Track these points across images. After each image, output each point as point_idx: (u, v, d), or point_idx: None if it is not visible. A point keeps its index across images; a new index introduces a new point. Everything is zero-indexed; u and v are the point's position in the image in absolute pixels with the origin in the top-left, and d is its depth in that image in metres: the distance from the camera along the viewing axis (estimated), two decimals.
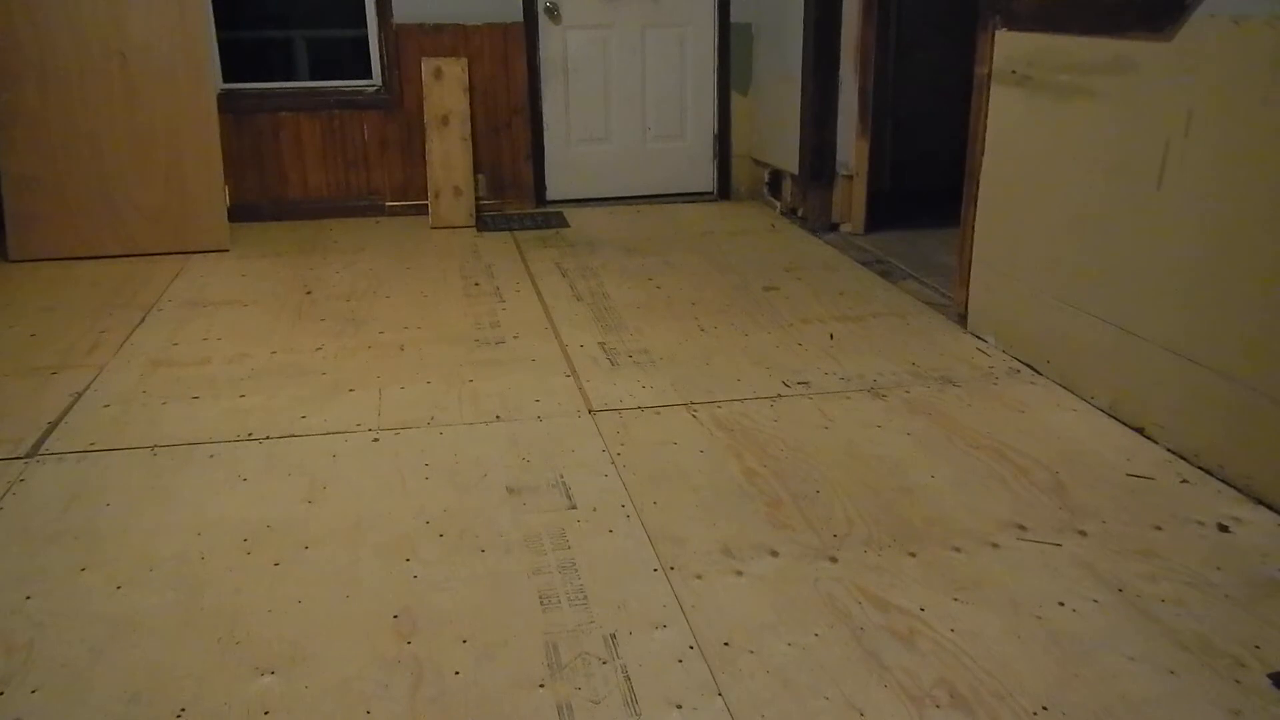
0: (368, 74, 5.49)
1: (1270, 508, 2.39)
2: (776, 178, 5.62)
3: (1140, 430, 2.80)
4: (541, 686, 1.82)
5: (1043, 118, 3.15)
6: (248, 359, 3.44)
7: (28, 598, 2.10)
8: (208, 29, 5.04)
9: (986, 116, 3.44)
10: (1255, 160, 2.38)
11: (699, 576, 2.15)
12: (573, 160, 5.78)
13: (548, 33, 5.55)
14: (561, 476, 2.60)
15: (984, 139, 3.46)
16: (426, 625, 2.00)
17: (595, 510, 2.43)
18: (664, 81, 5.74)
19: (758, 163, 5.83)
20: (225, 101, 5.19)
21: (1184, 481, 2.54)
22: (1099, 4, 2.89)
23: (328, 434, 2.86)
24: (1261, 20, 2.34)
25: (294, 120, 5.40)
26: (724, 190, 5.92)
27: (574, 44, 5.60)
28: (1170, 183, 2.65)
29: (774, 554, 2.23)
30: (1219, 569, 2.15)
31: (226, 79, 5.34)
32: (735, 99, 5.81)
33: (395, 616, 2.03)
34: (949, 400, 3.04)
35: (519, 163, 5.67)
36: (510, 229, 5.31)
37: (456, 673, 1.86)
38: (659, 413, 2.98)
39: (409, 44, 5.40)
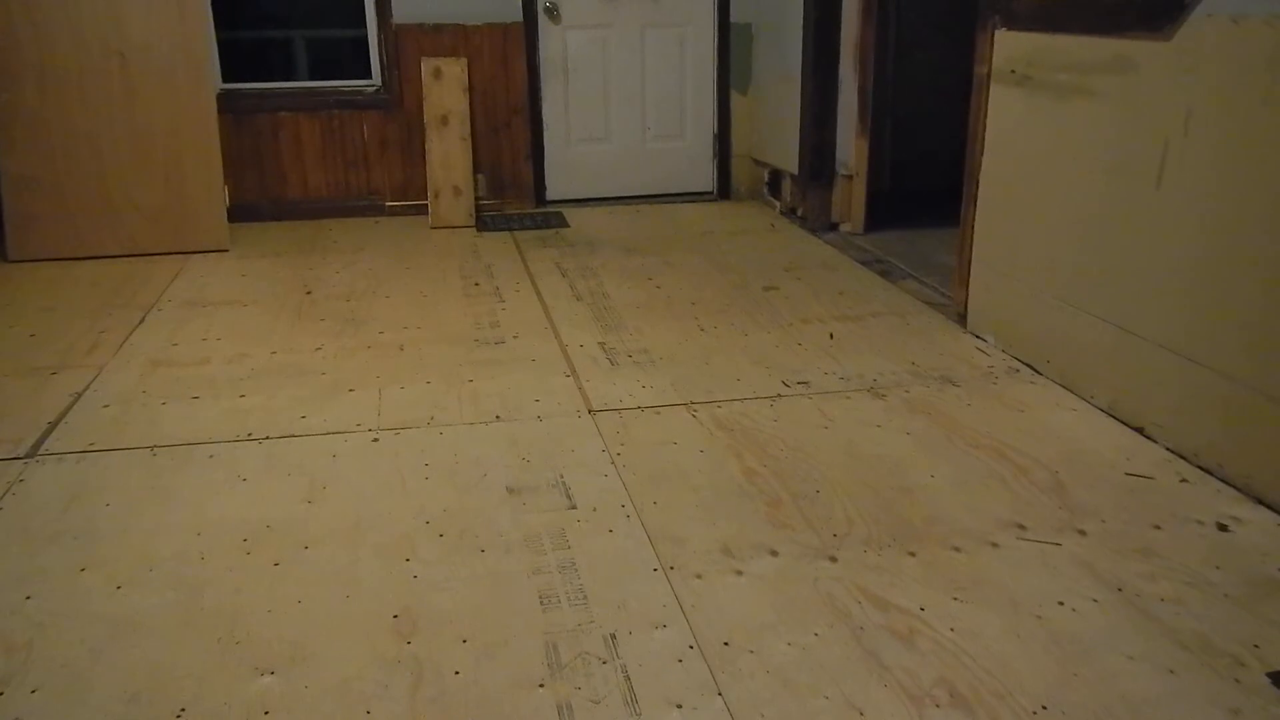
0: (367, 74, 5.49)
1: (1269, 507, 2.39)
2: (776, 177, 5.62)
3: (1140, 430, 2.80)
4: (541, 686, 1.82)
5: (1042, 117, 3.15)
6: (247, 359, 3.44)
7: (27, 598, 2.10)
8: (207, 29, 5.03)
9: (986, 116, 3.44)
10: (1254, 159, 2.38)
11: (699, 576, 2.15)
12: (572, 160, 5.78)
13: (547, 33, 5.55)
14: (561, 476, 2.60)
15: (983, 138, 3.46)
16: (426, 625, 2.00)
17: (595, 510, 2.43)
18: (664, 81, 5.74)
19: (757, 162, 5.84)
20: (225, 101, 5.19)
21: (1183, 481, 2.54)
22: (1098, 4, 2.89)
23: (327, 434, 2.86)
24: (1260, 20, 2.34)
25: (294, 120, 5.40)
26: (724, 190, 5.92)
27: (574, 44, 5.60)
28: (1170, 182, 2.65)
29: (774, 554, 2.23)
30: (1218, 568, 2.16)
31: (226, 79, 5.34)
32: (735, 99, 5.81)
33: (395, 616, 2.03)
34: (949, 400, 3.05)
35: (519, 163, 5.67)
36: (510, 229, 5.31)
37: (456, 673, 1.86)
38: (659, 412, 2.98)
39: (409, 44, 5.40)
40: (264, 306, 4.01)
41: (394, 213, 5.61)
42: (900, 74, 5.67)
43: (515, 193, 5.71)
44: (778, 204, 5.60)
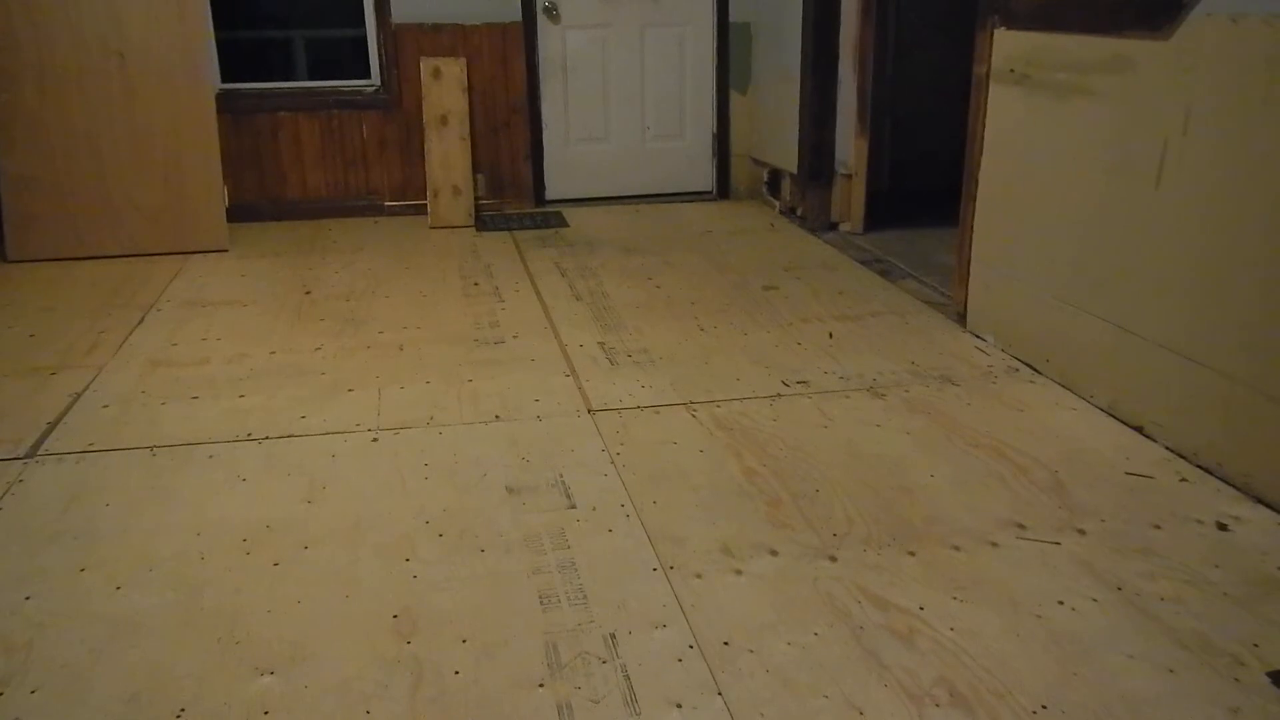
0: (366, 74, 5.49)
1: (1269, 506, 2.39)
2: (775, 177, 5.62)
3: (1139, 429, 2.80)
4: (541, 686, 1.82)
5: (1041, 117, 3.15)
6: (247, 359, 3.44)
7: (27, 598, 2.10)
8: (206, 29, 5.03)
9: (985, 115, 3.44)
10: (1254, 159, 2.38)
11: (698, 576, 2.15)
12: (572, 160, 5.78)
13: (546, 32, 5.55)
14: (561, 476, 2.60)
15: (983, 138, 3.47)
16: (426, 625, 2.00)
17: (595, 510, 2.43)
18: (663, 81, 5.74)
19: (757, 162, 5.84)
20: (224, 101, 5.19)
21: (1183, 480, 2.54)
22: (1097, 3, 2.90)
23: (327, 434, 2.86)
24: (1259, 19, 2.34)
25: (293, 120, 5.40)
26: (723, 190, 5.92)
27: (573, 44, 5.60)
28: (1169, 181, 2.65)
29: (773, 553, 2.23)
30: (1218, 567, 2.16)
31: (225, 79, 5.33)
32: (734, 98, 5.81)
33: (395, 616, 2.03)
34: (948, 399, 3.05)
35: (518, 162, 5.67)
36: (509, 229, 5.31)
37: (456, 672, 1.86)
38: (658, 412, 2.98)
39: (408, 44, 5.40)
40: (263, 306, 4.01)
41: (393, 213, 5.61)
42: (899, 73, 5.68)
43: (514, 192, 5.71)
44: (777, 203, 5.60)
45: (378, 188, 5.58)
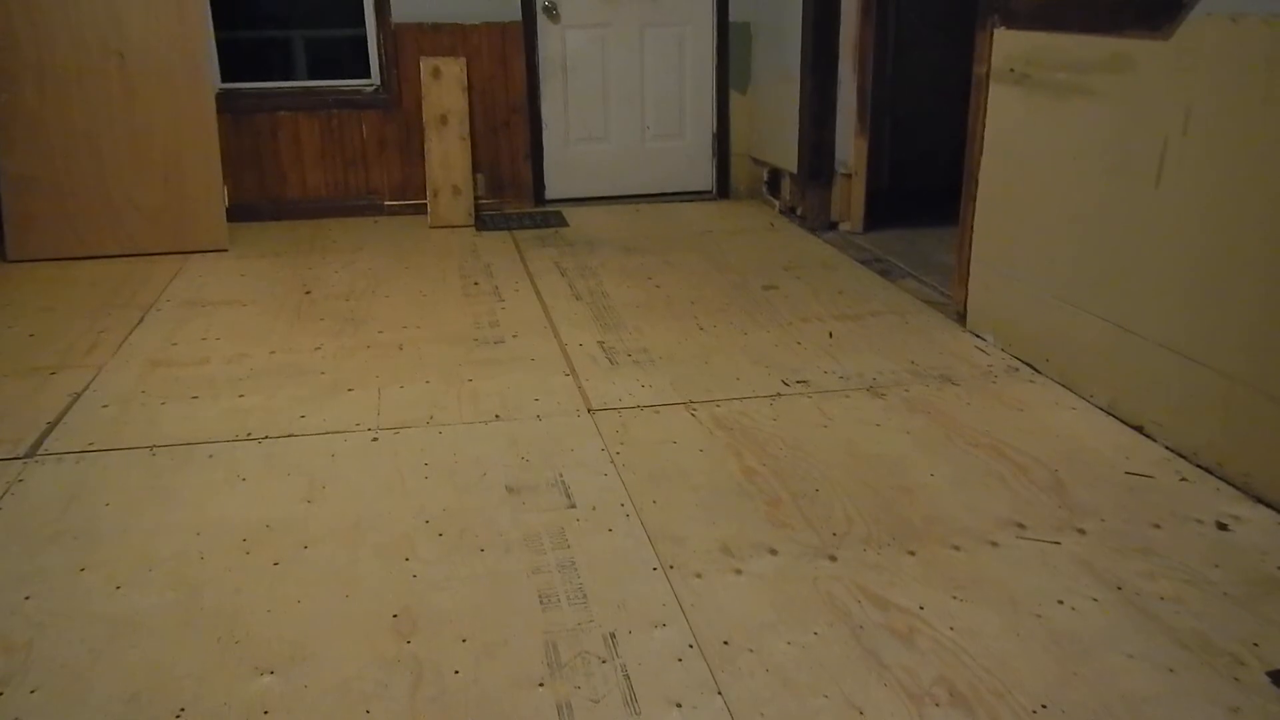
0: (366, 73, 5.49)
1: (1269, 506, 2.39)
2: (775, 176, 5.62)
3: (1139, 428, 2.80)
4: (541, 685, 1.82)
5: (1041, 116, 3.15)
6: (247, 359, 3.44)
7: (27, 598, 2.10)
8: (206, 29, 5.03)
9: (985, 115, 3.44)
10: (1253, 158, 2.38)
11: (698, 575, 2.15)
12: (571, 159, 5.78)
13: (546, 32, 5.55)
14: (561, 476, 2.60)
15: (983, 138, 3.46)
16: (426, 625, 2.00)
17: (594, 509, 2.43)
18: (663, 80, 5.73)
19: (756, 161, 5.84)
20: (224, 101, 5.19)
21: (1183, 479, 2.54)
22: (1097, 3, 2.90)
23: (327, 434, 2.86)
24: (1259, 19, 2.34)
25: (292, 120, 5.40)
26: (723, 189, 5.92)
27: (572, 43, 5.60)
28: (1169, 181, 2.65)
29: (773, 553, 2.23)
30: (1218, 567, 2.16)
31: (225, 79, 5.33)
32: (734, 98, 5.81)
33: (395, 616, 2.03)
34: (948, 399, 3.05)
35: (518, 162, 5.67)
36: (509, 228, 5.31)
37: (456, 672, 1.86)
38: (658, 412, 2.98)
39: (407, 43, 5.40)
40: (263, 306, 4.01)
41: (393, 212, 5.61)
42: (899, 73, 5.67)
43: (514, 192, 5.71)
44: (777, 203, 5.60)
45: (377, 187, 5.58)
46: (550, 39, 5.56)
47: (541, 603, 2.06)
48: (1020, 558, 2.20)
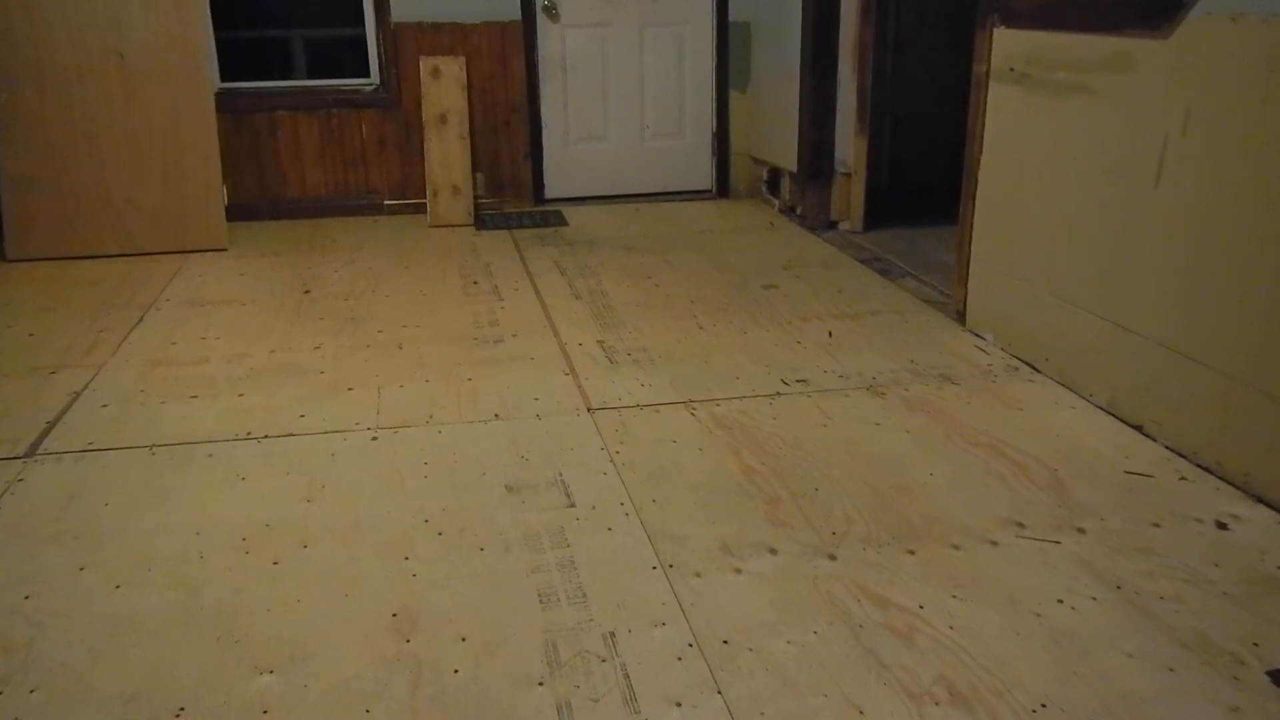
0: (366, 73, 5.49)
1: (1268, 505, 2.39)
2: (775, 176, 5.62)
3: (1139, 428, 2.80)
4: (541, 685, 1.82)
5: (1041, 116, 3.15)
6: (246, 358, 3.44)
7: (26, 597, 2.10)
8: (206, 28, 5.03)
9: (985, 114, 3.44)
10: (1253, 158, 2.38)
11: (698, 574, 2.15)
12: (571, 159, 5.78)
13: (546, 31, 5.55)
14: (560, 475, 2.60)
15: (982, 137, 3.46)
16: (426, 624, 2.00)
17: (594, 508, 2.43)
18: (662, 80, 5.73)
19: (756, 161, 5.83)
20: (223, 101, 5.19)
21: (1182, 479, 2.54)
22: (1097, 2, 2.89)
23: (326, 433, 2.86)
24: (1258, 18, 2.34)
25: (292, 119, 5.40)
26: (722, 188, 5.92)
27: (572, 42, 5.60)
28: (1168, 180, 2.65)
29: (773, 552, 2.23)
30: (1217, 566, 2.16)
31: (224, 78, 5.33)
32: (734, 97, 5.81)
33: (394, 615, 2.03)
34: (948, 398, 3.05)
35: (517, 161, 5.67)
36: (509, 227, 5.31)
37: (456, 671, 1.86)
38: (658, 411, 2.98)
39: (407, 43, 5.40)
40: (263, 306, 4.01)
41: (392, 211, 5.61)
42: (899, 72, 5.68)
43: (514, 191, 5.71)
44: (776, 202, 5.60)
45: (377, 187, 5.58)
46: (550, 38, 5.56)
47: (541, 602, 2.06)
48: (1020, 557, 2.20)
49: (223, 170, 4.87)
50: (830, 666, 1.86)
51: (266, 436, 2.84)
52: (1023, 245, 3.29)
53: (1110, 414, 2.90)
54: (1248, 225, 2.41)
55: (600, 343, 3.55)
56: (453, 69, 5.36)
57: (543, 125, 5.68)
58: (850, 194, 5.02)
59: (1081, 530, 2.30)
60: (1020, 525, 2.33)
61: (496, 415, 2.97)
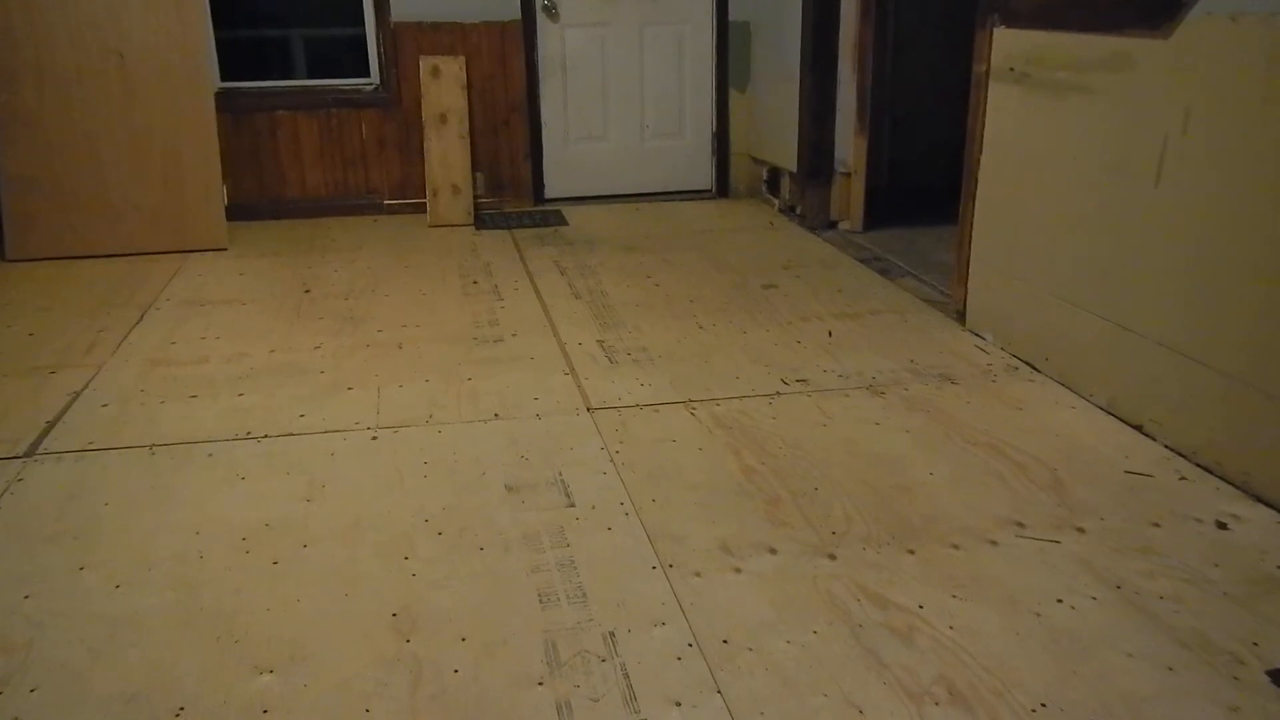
0: (365, 72, 5.48)
1: (1268, 505, 2.39)
2: (775, 175, 5.62)
3: (1138, 427, 2.80)
4: (540, 684, 1.82)
5: (1041, 115, 3.15)
6: (246, 358, 3.44)
7: (26, 597, 2.10)
8: (205, 28, 5.03)
9: (985, 114, 3.44)
10: (1253, 158, 2.38)
11: (698, 574, 2.15)
12: (571, 158, 5.78)
13: (546, 31, 5.55)
14: (560, 474, 2.60)
15: (982, 137, 3.46)
16: (425, 623, 2.00)
17: (594, 508, 2.43)
18: (662, 79, 5.73)
19: (756, 160, 5.83)
20: (223, 100, 5.19)
21: (1182, 479, 2.54)
22: (1097, 2, 2.89)
23: (326, 433, 2.86)
24: (1258, 18, 2.34)
25: (292, 119, 5.40)
26: (722, 188, 5.92)
27: (572, 42, 5.60)
28: (1168, 180, 2.65)
29: (773, 551, 2.23)
30: (1217, 566, 2.16)
31: (224, 78, 5.33)
32: (733, 97, 5.81)
33: (394, 615, 2.03)
34: (947, 397, 3.05)
35: (517, 161, 5.67)
36: (508, 227, 5.31)
37: (456, 671, 1.86)
38: (658, 410, 2.98)
39: (407, 42, 5.40)
40: (262, 305, 4.01)
41: (392, 211, 5.61)
42: (899, 72, 5.67)
43: (514, 191, 5.71)
44: (776, 202, 5.60)
45: (377, 186, 5.58)
46: (550, 38, 5.56)
47: (541, 601, 2.06)
48: (1019, 556, 2.20)
49: (223, 170, 4.87)
50: (830, 666, 1.86)
51: (266, 436, 2.84)
52: (1023, 245, 3.29)
53: (1110, 414, 2.90)
54: (1248, 225, 2.41)
55: (600, 342, 3.55)
56: (452, 69, 5.36)
57: (542, 125, 5.68)
58: (850, 194, 5.02)
59: (1081, 530, 2.30)
60: (1020, 525, 2.33)
61: (496, 415, 2.97)
